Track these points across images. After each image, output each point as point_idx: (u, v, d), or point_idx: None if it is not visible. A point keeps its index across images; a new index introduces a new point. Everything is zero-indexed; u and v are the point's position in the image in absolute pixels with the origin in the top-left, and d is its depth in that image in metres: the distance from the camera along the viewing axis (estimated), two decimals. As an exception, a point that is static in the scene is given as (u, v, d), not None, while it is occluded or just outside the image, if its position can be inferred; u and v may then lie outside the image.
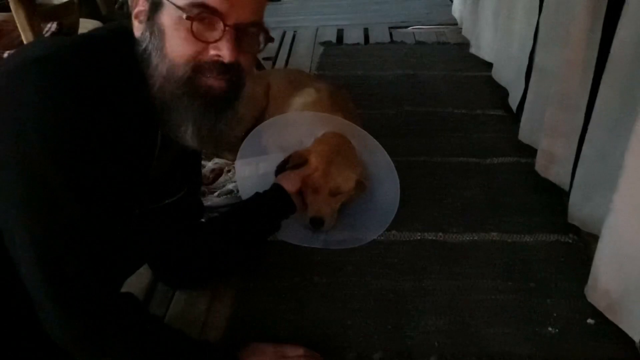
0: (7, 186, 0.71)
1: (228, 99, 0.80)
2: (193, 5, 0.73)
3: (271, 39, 0.83)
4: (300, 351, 0.98)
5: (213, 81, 0.77)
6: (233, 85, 0.80)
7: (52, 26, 2.40)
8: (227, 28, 0.74)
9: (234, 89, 0.80)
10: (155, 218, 0.99)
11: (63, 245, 0.73)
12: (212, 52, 0.75)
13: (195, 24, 0.73)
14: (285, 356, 0.96)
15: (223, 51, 0.75)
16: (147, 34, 0.77)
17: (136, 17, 0.79)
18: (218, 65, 0.76)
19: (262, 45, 0.82)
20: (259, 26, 0.80)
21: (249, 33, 0.78)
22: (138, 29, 0.79)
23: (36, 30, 2.00)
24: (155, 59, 0.76)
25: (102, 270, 0.77)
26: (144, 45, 0.77)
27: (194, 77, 0.76)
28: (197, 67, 0.76)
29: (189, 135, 0.80)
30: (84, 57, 0.76)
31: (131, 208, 0.89)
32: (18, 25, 1.97)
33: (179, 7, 0.73)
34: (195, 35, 0.74)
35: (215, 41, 0.75)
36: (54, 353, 0.83)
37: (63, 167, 0.71)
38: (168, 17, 0.75)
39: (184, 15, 0.73)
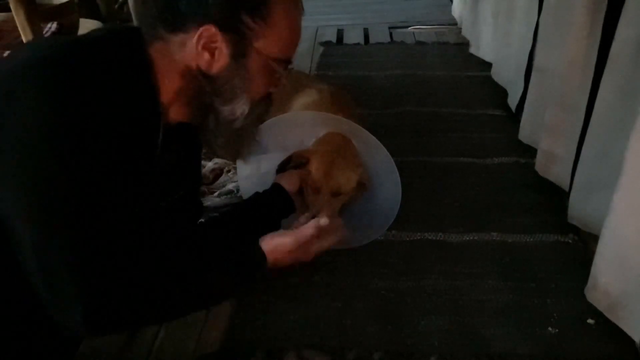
0: (11, 182, 0.72)
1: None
2: (283, 60, 0.87)
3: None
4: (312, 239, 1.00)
5: (260, 109, 0.92)
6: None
7: (52, 26, 2.41)
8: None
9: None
10: (155, 217, 0.98)
11: (65, 236, 0.72)
12: (272, 88, 0.91)
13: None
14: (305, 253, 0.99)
15: (279, 86, 0.91)
16: (231, 72, 0.84)
17: (206, 48, 0.81)
18: (270, 95, 0.93)
19: None
20: None
21: None
22: (209, 63, 0.82)
23: (36, 30, 2.00)
24: (232, 95, 0.85)
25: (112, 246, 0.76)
26: (221, 82, 0.84)
27: (256, 108, 0.90)
28: (261, 99, 0.91)
29: (220, 149, 0.94)
30: (86, 57, 0.76)
31: (133, 206, 0.89)
32: (18, 25, 1.98)
33: (273, 60, 0.85)
34: (278, 81, 0.89)
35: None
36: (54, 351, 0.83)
37: (65, 162, 0.71)
38: (256, 62, 0.84)
39: (277, 67, 0.86)
